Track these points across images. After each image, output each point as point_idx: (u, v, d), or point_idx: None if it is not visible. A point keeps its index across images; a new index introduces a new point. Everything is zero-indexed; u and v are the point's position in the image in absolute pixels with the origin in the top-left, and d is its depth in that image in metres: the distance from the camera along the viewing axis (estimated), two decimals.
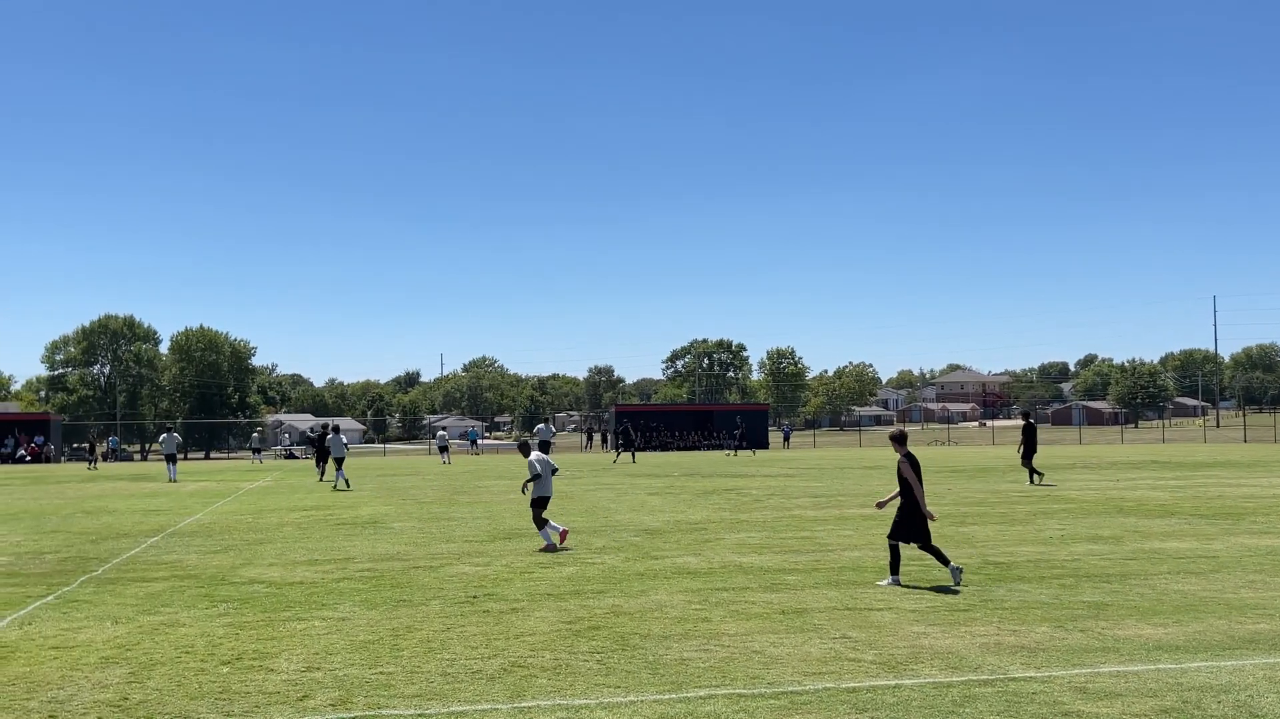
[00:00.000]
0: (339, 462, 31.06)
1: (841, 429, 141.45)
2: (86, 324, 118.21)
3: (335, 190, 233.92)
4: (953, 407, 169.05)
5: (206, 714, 7.21)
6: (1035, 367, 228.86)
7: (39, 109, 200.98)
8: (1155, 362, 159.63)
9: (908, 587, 11.87)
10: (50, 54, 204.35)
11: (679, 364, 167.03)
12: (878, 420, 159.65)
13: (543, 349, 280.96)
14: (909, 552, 14.81)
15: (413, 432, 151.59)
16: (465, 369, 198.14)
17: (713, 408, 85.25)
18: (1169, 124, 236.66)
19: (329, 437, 33.28)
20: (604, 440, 74.55)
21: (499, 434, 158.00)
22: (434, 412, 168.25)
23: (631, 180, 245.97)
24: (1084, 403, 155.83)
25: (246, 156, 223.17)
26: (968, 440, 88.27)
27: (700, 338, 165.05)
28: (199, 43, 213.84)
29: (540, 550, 15.38)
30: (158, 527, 20.06)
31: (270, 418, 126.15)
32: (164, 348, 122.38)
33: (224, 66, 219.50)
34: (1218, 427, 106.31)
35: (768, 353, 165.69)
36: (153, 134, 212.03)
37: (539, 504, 15.84)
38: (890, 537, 12.24)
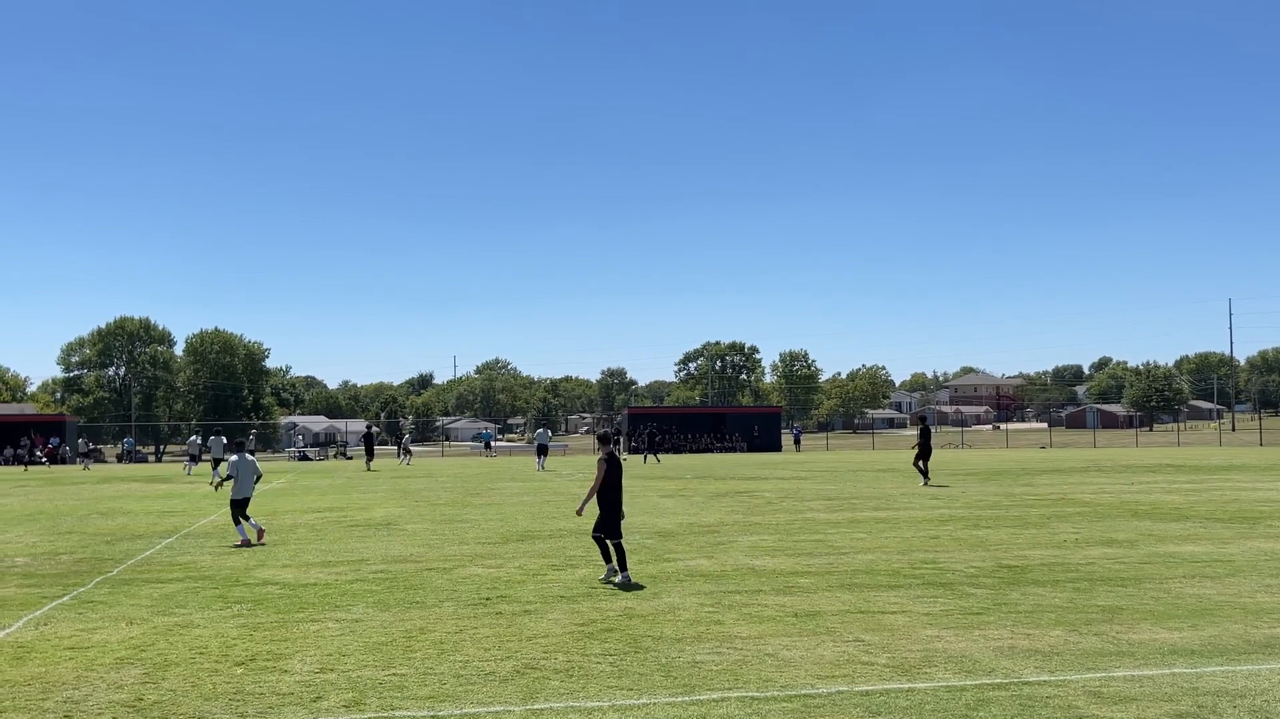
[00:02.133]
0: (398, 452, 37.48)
1: (854, 432, 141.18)
2: (102, 326, 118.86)
3: (349, 192, 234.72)
4: (966, 409, 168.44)
5: (220, 715, 7.24)
6: (1049, 369, 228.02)
7: (54, 110, 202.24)
8: (1170, 365, 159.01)
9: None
10: (65, 55, 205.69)
11: (692, 366, 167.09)
12: (890, 423, 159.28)
13: (555, 351, 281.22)
14: (921, 554, 14.79)
15: (426, 434, 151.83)
16: (478, 371, 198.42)
17: (725, 410, 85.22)
18: (1184, 125, 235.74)
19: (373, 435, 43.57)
20: (616, 444, 74.62)
21: (512, 436, 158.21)
22: (447, 413, 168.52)
23: (645, 182, 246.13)
24: (1098, 406, 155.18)
25: (261, 158, 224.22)
26: (981, 443, 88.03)
27: (713, 340, 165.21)
28: (214, 43, 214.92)
29: (235, 546, 16.68)
30: (172, 528, 20.14)
31: (284, 419, 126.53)
32: (179, 350, 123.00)
33: (241, 67, 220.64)
34: (1233, 430, 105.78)
35: (780, 355, 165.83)
36: (168, 135, 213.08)
37: (236, 504, 17.13)
38: (594, 531, 12.84)
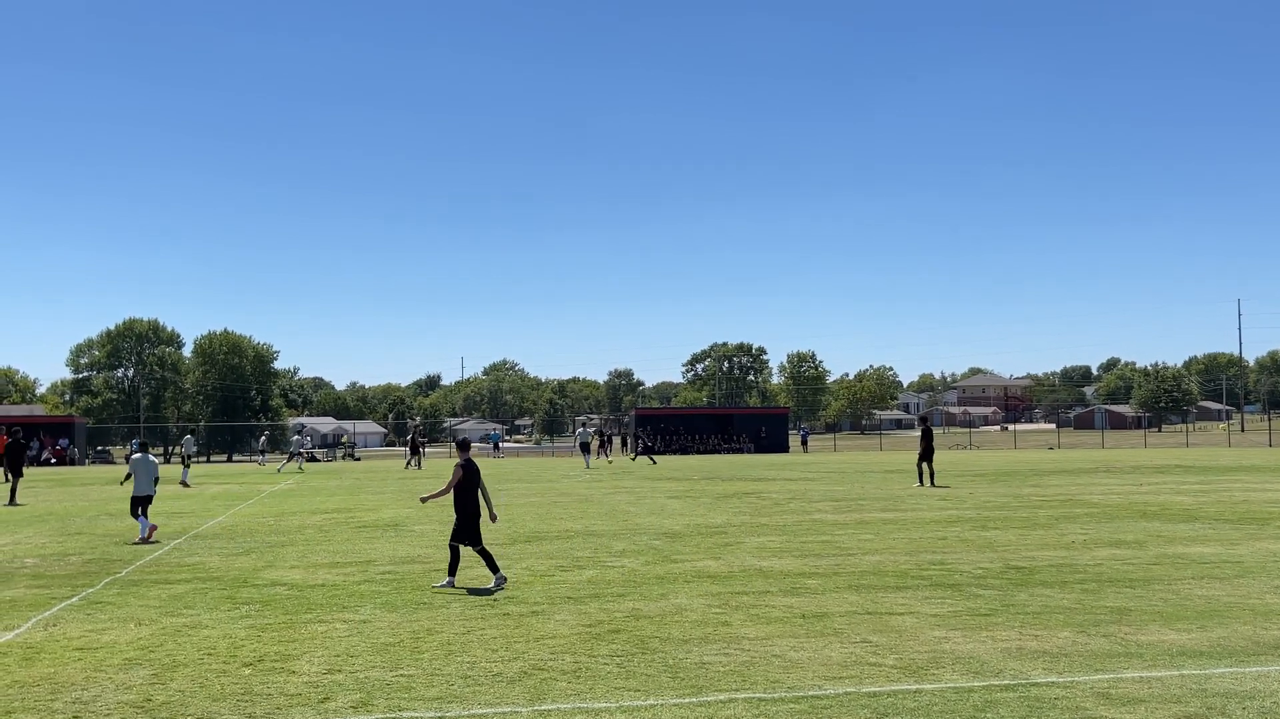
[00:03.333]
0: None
1: (862, 433, 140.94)
2: (111, 328, 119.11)
3: (358, 193, 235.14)
4: (974, 410, 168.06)
5: (229, 716, 7.26)
6: (1058, 370, 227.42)
7: (62, 111, 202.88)
8: (1179, 365, 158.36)
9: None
10: (70, 56, 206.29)
11: (699, 367, 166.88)
12: (898, 424, 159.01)
13: (563, 352, 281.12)
14: (929, 555, 14.77)
15: (433, 435, 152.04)
16: (486, 372, 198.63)
17: (733, 411, 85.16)
18: (1193, 125, 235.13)
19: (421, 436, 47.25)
20: (624, 444, 74.58)
21: (519, 437, 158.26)
22: (454, 415, 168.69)
23: (652, 183, 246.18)
24: (1107, 406, 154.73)
25: (270, 159, 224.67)
26: (989, 444, 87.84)
27: (720, 341, 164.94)
28: (225, 44, 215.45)
29: (135, 543, 17.48)
30: (181, 529, 20.19)
31: (292, 421, 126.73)
32: (187, 351, 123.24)
33: (247, 68, 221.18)
34: (1242, 431, 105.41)
35: (788, 356, 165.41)
36: (177, 137, 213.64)
37: (134, 501, 18.10)
38: (451, 539, 12.78)
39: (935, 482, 29.81)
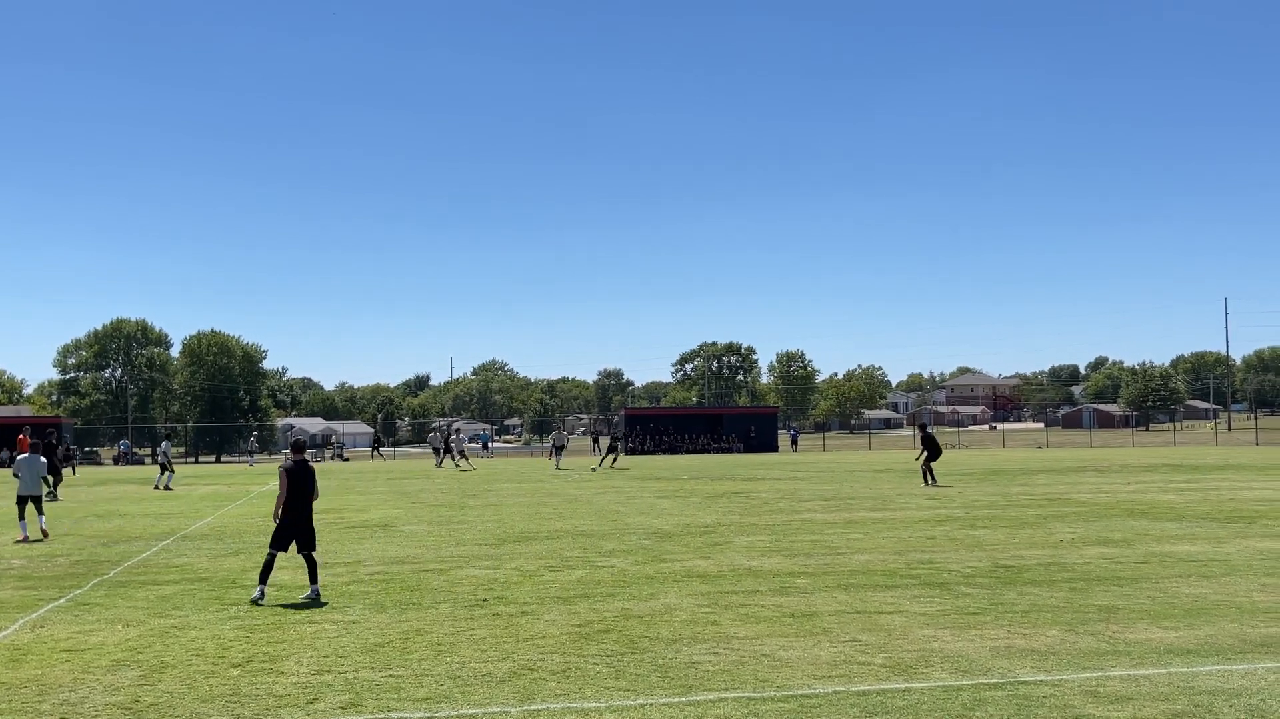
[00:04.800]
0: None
1: (851, 432, 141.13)
2: (99, 328, 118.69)
3: (345, 193, 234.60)
4: (963, 409, 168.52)
5: (217, 717, 7.23)
6: (1046, 369, 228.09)
7: (51, 110, 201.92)
8: (1166, 364, 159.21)
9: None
10: (62, 55, 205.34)
11: (688, 367, 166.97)
12: (887, 424, 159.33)
13: (552, 352, 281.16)
14: (918, 554, 14.80)
15: (423, 435, 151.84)
16: (475, 372, 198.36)
17: (722, 411, 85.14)
18: (1180, 124, 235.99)
19: (450, 435, 50.15)
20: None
21: (509, 437, 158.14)
22: (444, 414, 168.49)
23: (643, 183, 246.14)
24: (1095, 405, 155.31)
25: (257, 159, 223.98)
26: (978, 443, 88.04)
27: (709, 341, 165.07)
28: (210, 43, 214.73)
29: (17, 542, 17.79)
30: (169, 530, 20.12)
31: (281, 421, 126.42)
32: (175, 352, 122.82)
33: (237, 67, 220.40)
34: (1229, 429, 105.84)
35: (777, 356, 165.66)
36: (165, 136, 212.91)
37: (20, 501, 18.40)
38: (273, 546, 12.02)
39: (930, 480, 29.63)
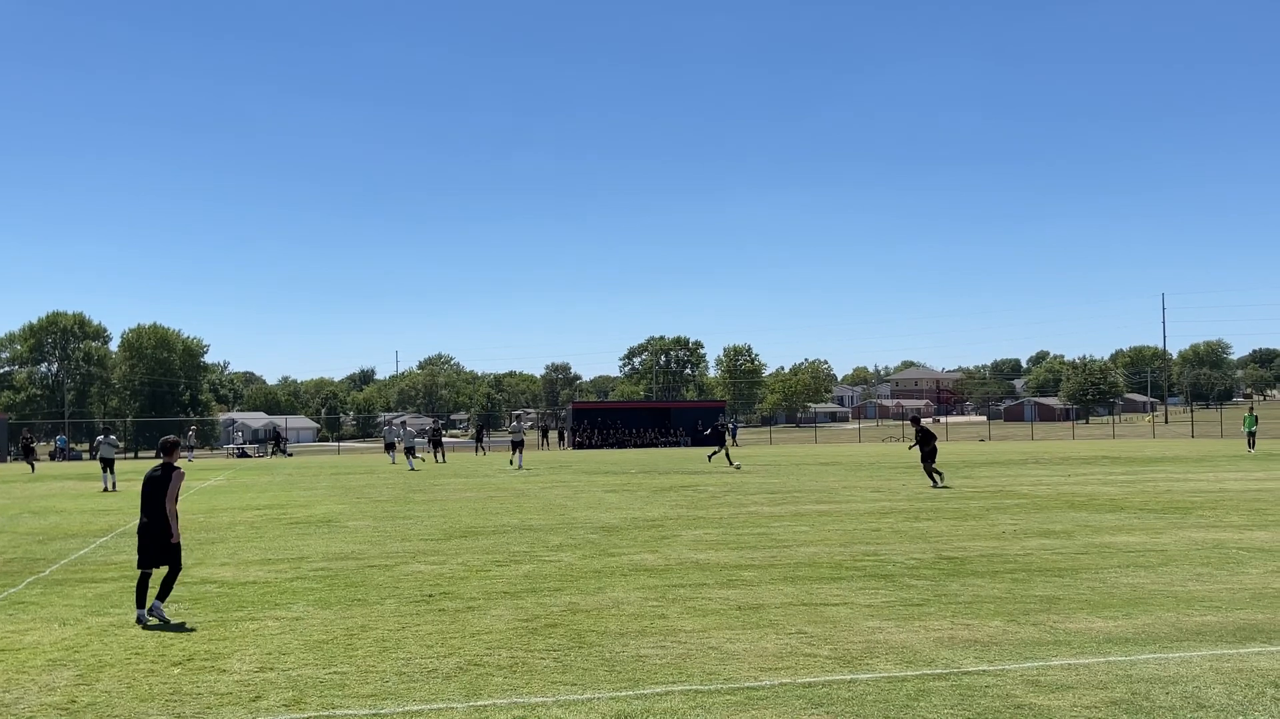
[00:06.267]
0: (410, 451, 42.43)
1: (797, 425, 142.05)
2: (34, 321, 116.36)
3: (288, 185, 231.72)
4: (907, 403, 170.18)
5: (157, 716, 7.11)
6: (988, 363, 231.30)
7: None
8: (1106, 358, 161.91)
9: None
10: None
11: (636, 361, 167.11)
12: (833, 417, 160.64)
13: (499, 346, 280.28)
14: (862, 546, 14.91)
15: (367, 429, 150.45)
16: (420, 367, 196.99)
17: (670, 405, 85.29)
18: (1119, 120, 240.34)
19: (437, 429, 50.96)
20: (560, 438, 74.30)
21: (455, 432, 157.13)
22: (389, 409, 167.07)
23: (587, 177, 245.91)
24: (1036, 399, 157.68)
25: (198, 150, 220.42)
26: None
27: (657, 335, 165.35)
28: (146, 32, 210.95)
29: None
30: (107, 526, 19.76)
31: (222, 416, 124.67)
32: (114, 346, 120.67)
33: (177, 55, 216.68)
34: (1166, 422, 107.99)
35: (724, 350, 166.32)
36: (101, 126, 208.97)
37: None
38: (140, 565, 10.56)
39: (933, 474, 27.04)
